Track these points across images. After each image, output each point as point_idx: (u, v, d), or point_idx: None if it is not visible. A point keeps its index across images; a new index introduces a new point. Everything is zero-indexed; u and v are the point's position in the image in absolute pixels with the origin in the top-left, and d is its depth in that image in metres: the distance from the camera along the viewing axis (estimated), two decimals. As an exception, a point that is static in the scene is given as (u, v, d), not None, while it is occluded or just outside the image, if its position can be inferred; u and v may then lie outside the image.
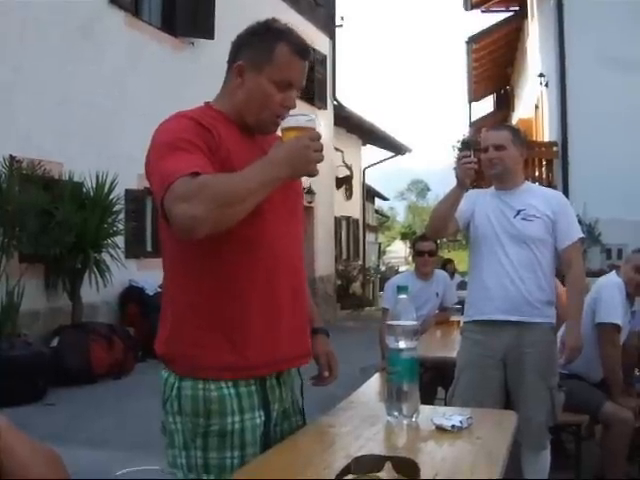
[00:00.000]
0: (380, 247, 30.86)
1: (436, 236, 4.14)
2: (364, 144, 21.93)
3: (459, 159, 3.30)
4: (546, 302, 3.42)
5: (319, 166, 1.79)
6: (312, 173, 1.79)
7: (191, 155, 1.75)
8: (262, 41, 1.93)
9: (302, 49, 1.95)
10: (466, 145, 3.45)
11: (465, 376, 3.47)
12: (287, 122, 1.86)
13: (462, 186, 3.31)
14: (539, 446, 3.45)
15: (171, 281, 1.96)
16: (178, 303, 1.92)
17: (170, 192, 1.67)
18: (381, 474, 1.56)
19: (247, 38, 1.97)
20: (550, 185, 14.08)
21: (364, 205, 22.70)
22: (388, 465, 1.57)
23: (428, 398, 4.28)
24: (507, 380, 3.42)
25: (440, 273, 5.89)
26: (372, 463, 1.57)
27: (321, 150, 1.79)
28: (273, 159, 1.76)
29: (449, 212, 3.41)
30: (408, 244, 36.05)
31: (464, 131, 21.44)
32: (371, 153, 23.39)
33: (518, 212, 3.42)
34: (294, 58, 1.93)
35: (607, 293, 4.07)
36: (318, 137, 1.80)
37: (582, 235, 3.50)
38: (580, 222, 13.95)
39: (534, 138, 16.77)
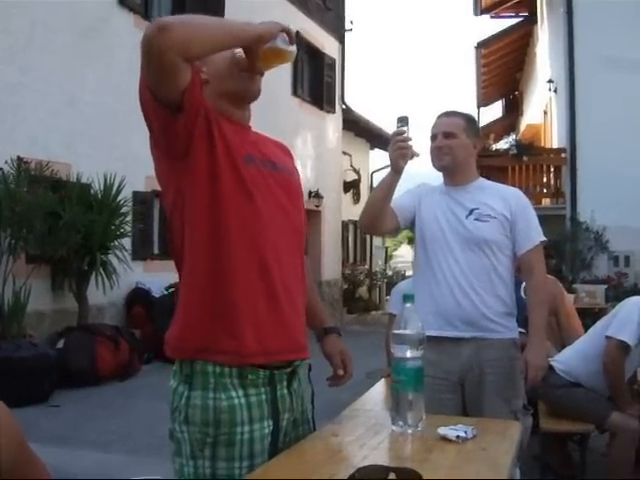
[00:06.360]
0: (387, 251, 30.78)
1: (371, 231, 3.48)
2: (372, 148, 21.88)
3: (393, 137, 2.70)
4: (505, 314, 3.00)
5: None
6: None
7: None
8: None
9: None
10: (402, 121, 2.74)
11: None
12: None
13: (397, 170, 2.77)
14: None
15: (182, 259, 1.92)
16: (185, 283, 1.90)
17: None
18: (385, 485, 1.54)
19: None
20: (558, 192, 14.06)
21: (371, 209, 22.59)
22: (392, 476, 1.55)
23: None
24: (465, 403, 3.00)
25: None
26: (376, 474, 1.56)
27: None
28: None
29: (383, 202, 2.93)
30: (415, 248, 35.84)
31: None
32: (379, 157, 23.32)
33: (471, 211, 2.98)
34: None
35: (626, 310, 3.95)
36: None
37: (544, 238, 3.06)
38: (588, 229, 13.84)
39: (542, 144, 16.77)
